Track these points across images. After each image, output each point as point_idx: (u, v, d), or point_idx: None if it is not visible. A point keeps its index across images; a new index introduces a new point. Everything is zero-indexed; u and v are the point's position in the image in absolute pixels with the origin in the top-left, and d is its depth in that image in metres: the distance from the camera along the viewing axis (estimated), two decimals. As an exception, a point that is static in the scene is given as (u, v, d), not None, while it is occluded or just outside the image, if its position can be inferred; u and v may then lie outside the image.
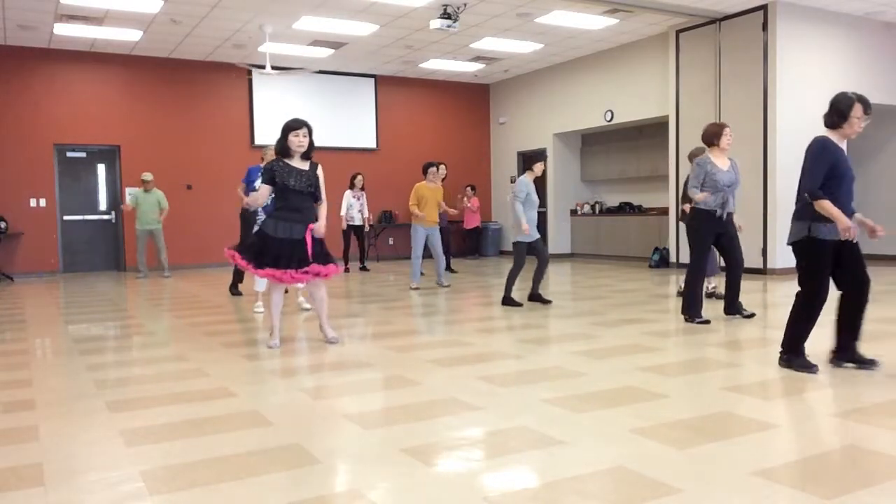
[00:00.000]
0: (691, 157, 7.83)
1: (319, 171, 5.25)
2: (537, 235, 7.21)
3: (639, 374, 4.24)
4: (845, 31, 10.35)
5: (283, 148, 5.11)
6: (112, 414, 3.58)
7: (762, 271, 10.03)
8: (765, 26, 9.81)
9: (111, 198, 12.45)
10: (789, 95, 9.85)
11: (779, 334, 5.48)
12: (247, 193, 7.06)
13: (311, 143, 5.13)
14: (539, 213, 7.44)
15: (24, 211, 11.62)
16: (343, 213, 11.45)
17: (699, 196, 5.90)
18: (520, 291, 7.70)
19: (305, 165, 5.15)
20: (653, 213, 12.60)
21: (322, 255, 5.16)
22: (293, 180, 5.05)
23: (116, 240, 12.49)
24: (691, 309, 6.02)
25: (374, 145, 14.11)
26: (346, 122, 13.95)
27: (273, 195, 5.17)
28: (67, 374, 4.52)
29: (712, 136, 6.10)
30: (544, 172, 14.19)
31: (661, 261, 11.59)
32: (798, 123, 9.84)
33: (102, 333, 6.16)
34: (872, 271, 4.29)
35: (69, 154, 12.11)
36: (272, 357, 4.94)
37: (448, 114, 15.09)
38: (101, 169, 12.39)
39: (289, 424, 3.38)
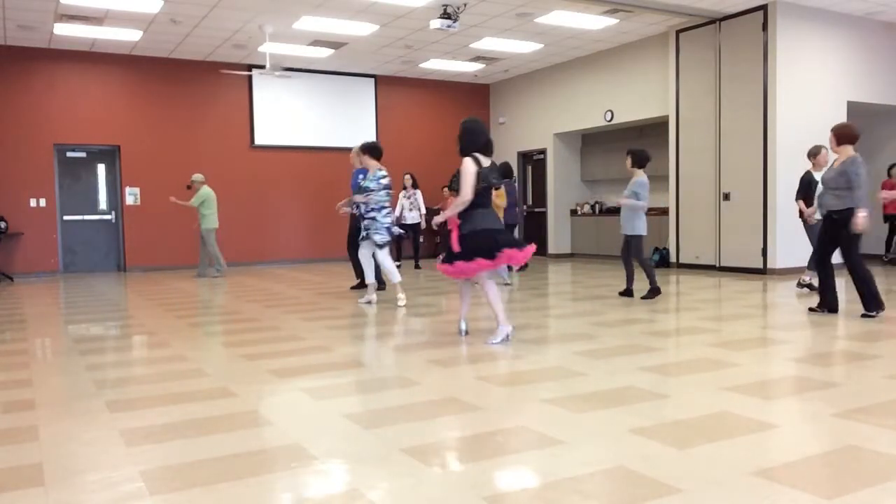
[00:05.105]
0: (811, 154, 7.81)
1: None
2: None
3: (639, 374, 4.24)
4: (845, 31, 10.35)
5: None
6: (112, 414, 3.58)
7: (762, 271, 10.02)
8: (765, 26, 9.81)
9: (111, 198, 12.46)
10: (789, 95, 9.84)
11: (778, 334, 5.49)
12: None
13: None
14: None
15: (24, 211, 11.63)
16: (397, 213, 11.53)
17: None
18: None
19: (487, 162, 5.36)
20: (653, 214, 12.57)
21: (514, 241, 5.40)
22: (494, 177, 5.34)
23: (117, 240, 12.50)
24: (874, 302, 6.02)
25: (374, 145, 14.13)
26: (346, 122, 13.95)
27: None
28: (67, 374, 4.52)
29: (854, 138, 6.05)
30: (544, 172, 14.41)
31: (662, 261, 11.58)
32: (798, 123, 9.85)
33: (103, 333, 6.17)
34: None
35: (69, 154, 12.11)
36: (272, 357, 4.94)
37: (448, 114, 15.07)
38: (101, 169, 12.40)
39: (289, 424, 3.38)
